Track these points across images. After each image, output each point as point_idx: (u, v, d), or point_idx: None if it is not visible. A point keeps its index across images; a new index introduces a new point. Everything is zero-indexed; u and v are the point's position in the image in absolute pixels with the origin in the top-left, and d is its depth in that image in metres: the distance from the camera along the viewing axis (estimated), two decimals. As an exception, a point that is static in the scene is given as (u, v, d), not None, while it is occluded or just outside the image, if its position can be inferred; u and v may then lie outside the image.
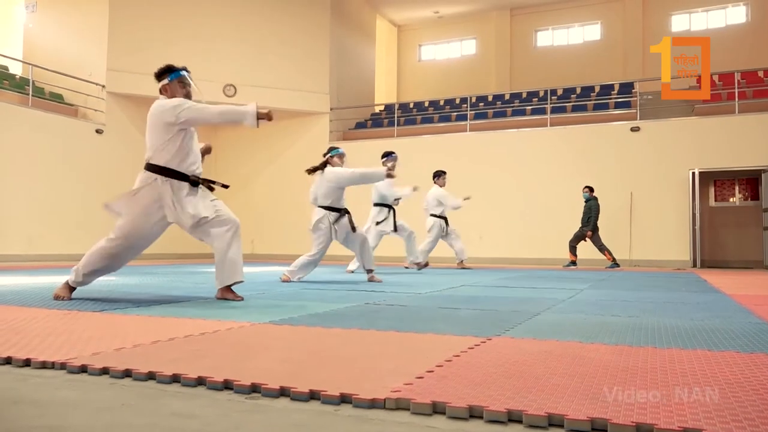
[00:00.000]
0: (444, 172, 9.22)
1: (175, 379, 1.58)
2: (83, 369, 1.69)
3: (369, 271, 5.79)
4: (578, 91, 14.21)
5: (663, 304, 3.77)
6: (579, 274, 7.84)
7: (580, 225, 10.60)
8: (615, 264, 10.35)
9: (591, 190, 10.62)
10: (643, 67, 15.24)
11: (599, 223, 10.55)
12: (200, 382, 1.55)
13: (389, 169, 5.64)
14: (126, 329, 2.46)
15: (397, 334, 2.35)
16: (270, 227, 14.08)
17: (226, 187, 3.89)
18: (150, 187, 3.56)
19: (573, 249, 10.62)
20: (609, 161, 11.72)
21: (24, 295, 3.89)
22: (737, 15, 15.40)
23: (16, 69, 13.18)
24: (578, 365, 1.75)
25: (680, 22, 15.90)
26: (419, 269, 8.30)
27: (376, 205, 7.74)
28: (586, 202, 10.58)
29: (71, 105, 12.42)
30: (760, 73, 12.75)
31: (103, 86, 12.32)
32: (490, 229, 12.25)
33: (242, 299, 3.67)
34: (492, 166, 12.50)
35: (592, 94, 13.94)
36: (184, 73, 3.72)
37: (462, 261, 9.27)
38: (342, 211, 5.68)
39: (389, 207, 7.70)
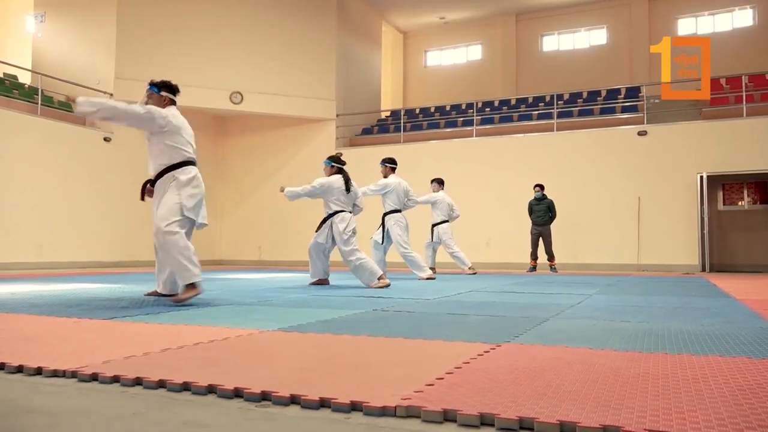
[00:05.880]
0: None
1: (185, 387, 1.58)
2: (94, 377, 1.70)
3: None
4: (584, 95, 14.18)
5: (673, 309, 3.74)
6: (586, 279, 7.80)
7: (536, 224, 10.71)
8: (533, 269, 10.70)
9: (542, 188, 10.79)
10: (649, 70, 15.19)
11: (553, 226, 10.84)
12: (211, 390, 1.55)
13: None
14: (136, 337, 2.47)
15: (406, 341, 2.35)
16: (277, 234, 14.11)
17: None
18: None
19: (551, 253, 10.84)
20: (616, 166, 11.68)
21: (34, 303, 3.90)
22: (744, 18, 15.33)
23: (25, 78, 13.30)
24: (589, 372, 1.75)
25: (686, 26, 15.87)
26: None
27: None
28: (542, 200, 10.67)
29: (80, 113, 12.49)
30: (768, 76, 12.70)
31: (111, 94, 12.38)
32: (497, 235, 12.25)
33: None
34: (498, 172, 12.50)
35: (598, 98, 13.91)
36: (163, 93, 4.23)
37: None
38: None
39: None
